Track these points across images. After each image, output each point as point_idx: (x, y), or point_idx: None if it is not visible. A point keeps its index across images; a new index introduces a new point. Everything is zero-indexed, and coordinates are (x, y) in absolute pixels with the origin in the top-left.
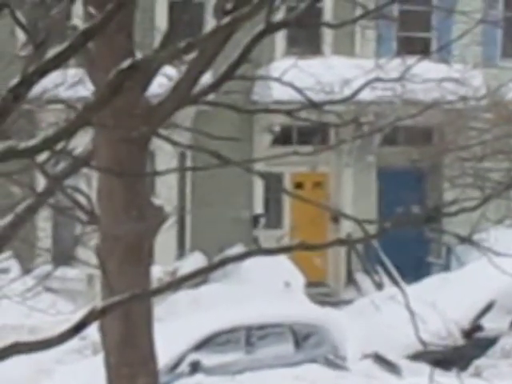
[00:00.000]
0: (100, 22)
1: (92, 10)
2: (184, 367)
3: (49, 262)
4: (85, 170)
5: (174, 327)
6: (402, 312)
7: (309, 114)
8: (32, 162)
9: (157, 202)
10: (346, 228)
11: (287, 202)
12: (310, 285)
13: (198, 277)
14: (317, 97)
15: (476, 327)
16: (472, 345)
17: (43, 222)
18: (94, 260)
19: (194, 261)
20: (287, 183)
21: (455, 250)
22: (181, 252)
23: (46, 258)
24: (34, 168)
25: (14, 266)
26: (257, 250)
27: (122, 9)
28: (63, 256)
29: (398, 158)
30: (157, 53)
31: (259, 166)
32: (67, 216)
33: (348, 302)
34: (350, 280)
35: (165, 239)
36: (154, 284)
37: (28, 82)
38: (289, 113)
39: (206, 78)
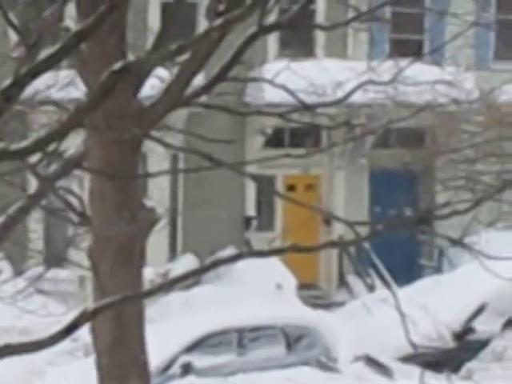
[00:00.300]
0: (92, 24)
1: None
2: (176, 369)
3: (40, 264)
4: (77, 172)
5: (166, 329)
6: (394, 314)
7: (301, 117)
8: (24, 163)
9: (149, 203)
10: (338, 230)
11: (279, 205)
12: (302, 287)
13: (190, 278)
14: (309, 99)
15: (467, 330)
16: (463, 347)
17: (35, 223)
18: (85, 261)
19: (186, 262)
20: (279, 185)
21: (447, 252)
22: (172, 254)
23: (37, 259)
24: (25, 169)
25: (6, 268)
26: (248, 252)
27: (114, 10)
28: (55, 257)
29: (391, 160)
30: (149, 54)
31: (251, 169)
32: (59, 217)
33: (340, 305)
34: (342, 282)
35: (157, 241)
36: (146, 286)
37: (20, 83)
38: (281, 115)
39: (199, 80)
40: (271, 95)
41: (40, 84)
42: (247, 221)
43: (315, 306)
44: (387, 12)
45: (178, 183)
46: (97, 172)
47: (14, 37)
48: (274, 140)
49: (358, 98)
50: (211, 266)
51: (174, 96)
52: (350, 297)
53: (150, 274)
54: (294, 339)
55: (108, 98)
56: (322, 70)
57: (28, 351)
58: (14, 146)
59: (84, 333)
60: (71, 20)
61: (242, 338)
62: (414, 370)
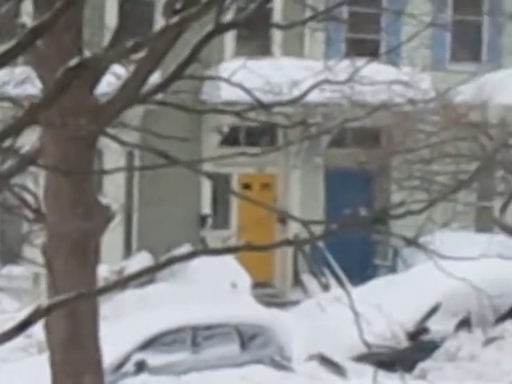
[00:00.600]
0: (48, 20)
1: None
2: (129, 367)
3: None
4: (32, 169)
5: (120, 326)
6: (348, 314)
7: (257, 115)
8: None
9: (104, 200)
10: (294, 229)
11: (235, 203)
12: (257, 285)
13: (145, 276)
14: (265, 98)
15: (421, 329)
16: (417, 347)
17: None
18: (40, 258)
19: (141, 260)
20: (235, 184)
21: (402, 252)
22: (127, 251)
23: None
24: None
25: None
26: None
27: (70, 7)
28: (9, 254)
29: (346, 159)
30: (106, 51)
31: (207, 167)
32: (14, 214)
33: (294, 303)
34: (297, 281)
35: (111, 238)
36: (100, 283)
37: None
38: (237, 113)
39: (155, 78)
40: (228, 93)
41: None
42: (202, 219)
43: (270, 304)
44: (344, 12)
45: (133, 180)
46: (52, 168)
47: None
48: (230, 138)
49: (314, 97)
50: (166, 263)
51: (130, 93)
52: (304, 296)
53: (104, 272)
54: (248, 338)
55: (64, 94)
56: (279, 69)
57: None
58: None
59: (38, 329)
60: (27, 16)
61: (196, 336)
62: (368, 370)
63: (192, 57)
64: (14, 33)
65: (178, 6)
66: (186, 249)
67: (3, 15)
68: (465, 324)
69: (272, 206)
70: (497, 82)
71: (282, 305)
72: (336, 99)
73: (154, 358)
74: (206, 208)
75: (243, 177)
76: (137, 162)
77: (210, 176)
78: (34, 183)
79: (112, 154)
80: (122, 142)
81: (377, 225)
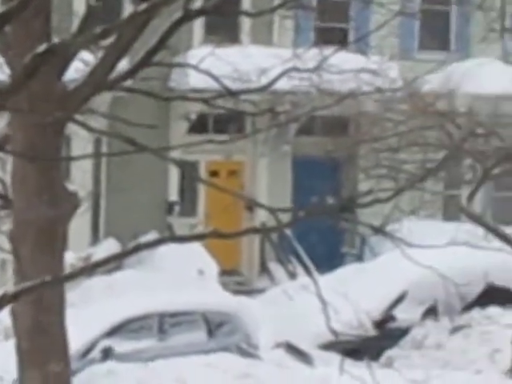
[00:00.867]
0: (17, 6)
1: None
2: (96, 353)
3: None
4: (0, 155)
5: (87, 313)
6: (315, 302)
7: (225, 103)
8: None
9: (71, 187)
10: (261, 217)
11: (202, 190)
12: (224, 273)
13: (112, 263)
14: (234, 85)
15: (388, 318)
16: (384, 335)
17: None
18: (6, 245)
19: (108, 247)
20: (202, 171)
21: (369, 240)
22: (94, 238)
23: None
24: None
25: None
26: (170, 237)
27: None
28: None
29: (314, 147)
30: (74, 38)
31: (175, 154)
32: None
33: (261, 291)
34: (264, 269)
35: (78, 225)
36: (67, 270)
37: None
38: (205, 101)
39: (123, 64)
40: (196, 81)
41: None
42: (170, 206)
43: (237, 292)
44: (313, 0)
45: (100, 167)
46: (19, 155)
47: None
48: (198, 126)
49: (282, 85)
50: (133, 250)
51: (98, 80)
52: (271, 284)
53: (71, 258)
54: (214, 325)
55: (32, 80)
56: (247, 57)
57: None
58: None
59: (4, 316)
60: None
61: (163, 323)
62: (335, 358)
63: (160, 44)
64: None
65: None
66: (153, 236)
67: None
68: (431, 312)
69: (239, 194)
70: (464, 71)
71: (249, 292)
72: (304, 87)
73: (120, 345)
74: (174, 195)
75: (211, 164)
76: (104, 149)
77: (177, 163)
78: (2, 169)
79: (80, 141)
80: (89, 129)
81: (344, 213)
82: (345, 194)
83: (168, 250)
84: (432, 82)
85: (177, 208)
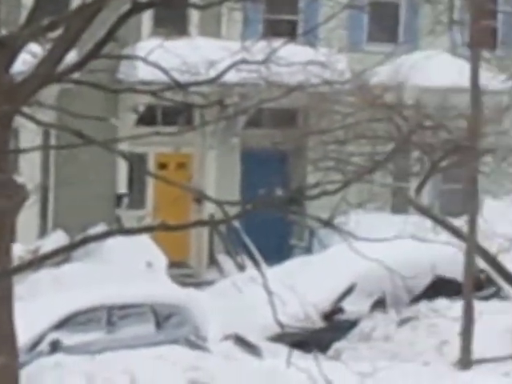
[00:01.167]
0: None
1: None
2: (44, 346)
3: None
4: None
5: (35, 306)
6: (263, 294)
7: (174, 95)
8: None
9: (19, 179)
10: (210, 209)
11: (151, 183)
12: (172, 265)
13: (60, 255)
14: (182, 77)
15: (336, 310)
16: (332, 327)
17: None
18: None
19: (56, 239)
20: (151, 163)
21: (318, 232)
22: (43, 230)
23: None
24: None
25: None
26: (118, 229)
27: None
28: None
29: (262, 140)
30: (21, 30)
31: (123, 146)
32: None
33: (210, 283)
34: (212, 261)
35: (27, 217)
36: (15, 262)
37: None
38: (154, 93)
39: (71, 56)
40: (144, 73)
41: None
42: (118, 198)
43: (185, 284)
44: None
45: (49, 160)
46: None
47: None
48: (147, 118)
49: (231, 77)
50: (81, 242)
51: (46, 72)
52: (220, 276)
53: (19, 251)
54: (163, 317)
55: None
56: (196, 49)
57: None
58: None
59: None
60: None
61: (112, 315)
62: (283, 350)
63: (109, 36)
64: None
65: None
66: (101, 228)
67: None
68: (379, 305)
69: (188, 186)
70: (413, 63)
71: (198, 285)
72: (253, 79)
73: (68, 338)
74: (122, 187)
75: (159, 156)
76: (53, 142)
77: (124, 156)
78: None
79: (28, 133)
80: (37, 122)
81: (292, 205)
82: (293, 186)
83: (116, 242)
84: (380, 75)
85: (125, 200)
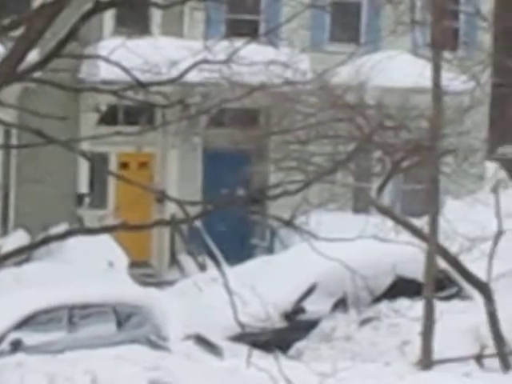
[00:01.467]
0: None
1: None
2: (5, 346)
3: None
4: None
5: None
6: (225, 294)
7: (136, 94)
8: None
9: None
10: (171, 208)
11: (112, 182)
12: (134, 265)
13: (21, 255)
14: (144, 77)
15: (298, 310)
16: (293, 327)
17: None
18: None
19: (18, 238)
20: (113, 163)
21: (279, 232)
22: (4, 229)
23: None
24: None
25: None
26: (79, 229)
27: None
28: None
29: (224, 139)
30: None
31: (85, 146)
32: None
33: (171, 283)
34: (174, 261)
35: None
36: None
37: None
38: (115, 92)
39: (33, 55)
40: (106, 72)
41: None
42: (80, 198)
43: (147, 284)
44: None
45: (10, 159)
46: None
47: None
48: (109, 117)
49: (192, 76)
50: (42, 242)
51: (7, 71)
52: (181, 275)
53: None
54: (124, 317)
55: None
56: (158, 49)
57: None
58: None
59: None
60: None
61: (73, 315)
62: (244, 350)
63: (71, 35)
64: None
65: None
66: (62, 228)
67: None
68: (341, 304)
69: (149, 186)
70: (374, 63)
71: (159, 284)
72: (215, 79)
73: (30, 337)
74: (84, 187)
75: (121, 156)
76: (14, 141)
77: (85, 155)
78: None
79: None
80: None
81: (253, 205)
82: (255, 186)
83: (77, 241)
84: (342, 75)
85: (87, 200)
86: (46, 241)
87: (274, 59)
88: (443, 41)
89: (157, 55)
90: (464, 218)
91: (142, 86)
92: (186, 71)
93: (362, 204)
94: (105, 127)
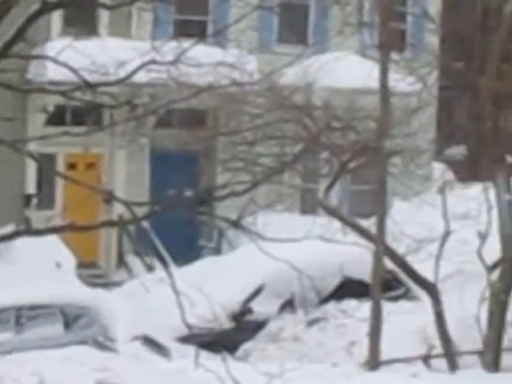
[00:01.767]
0: None
1: None
2: None
3: None
4: None
5: None
6: (172, 295)
7: (83, 95)
8: None
9: None
10: (119, 209)
11: (60, 183)
12: (81, 266)
13: None
14: (92, 78)
15: (245, 310)
16: (241, 328)
17: None
18: None
19: None
20: (60, 164)
21: (227, 233)
22: None
23: None
24: None
25: None
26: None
27: None
28: None
29: (172, 140)
30: None
31: (32, 146)
32: None
33: (119, 284)
34: (121, 262)
35: None
36: None
37: None
38: (63, 93)
39: None
40: (54, 73)
41: None
42: (27, 198)
43: (94, 285)
44: None
45: None
46: None
47: None
48: (56, 118)
49: (140, 77)
50: None
51: None
52: (129, 276)
53: None
54: (72, 318)
55: None
56: (106, 49)
57: None
58: None
59: None
60: None
61: (20, 316)
62: (191, 351)
63: (18, 35)
64: None
65: None
66: (9, 228)
67: None
68: (288, 305)
69: (97, 187)
70: (322, 64)
71: (107, 285)
72: (162, 80)
73: None
74: (31, 188)
75: (69, 156)
76: None
77: (32, 156)
78: None
79: None
80: None
81: (201, 206)
82: (202, 186)
83: (25, 242)
84: (289, 76)
85: (34, 201)
86: None
87: (222, 60)
88: (391, 42)
89: (104, 56)
90: (411, 219)
91: (89, 86)
92: (134, 72)
93: (309, 205)
94: (52, 128)
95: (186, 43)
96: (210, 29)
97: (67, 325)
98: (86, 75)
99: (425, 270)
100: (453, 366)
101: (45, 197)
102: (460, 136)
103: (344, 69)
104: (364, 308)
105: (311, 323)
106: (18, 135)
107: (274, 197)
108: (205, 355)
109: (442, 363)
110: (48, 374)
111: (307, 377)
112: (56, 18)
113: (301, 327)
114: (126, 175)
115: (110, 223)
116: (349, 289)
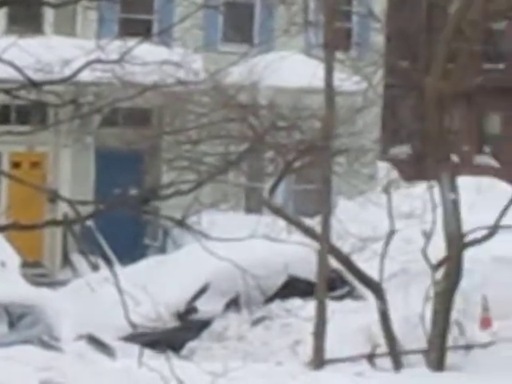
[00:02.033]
0: None
1: None
2: None
3: None
4: None
5: None
6: (117, 294)
7: (28, 94)
8: None
9: None
10: (64, 208)
11: (4, 182)
12: (26, 265)
13: None
14: (36, 76)
15: (190, 309)
16: (185, 327)
17: None
18: None
19: None
20: (4, 162)
21: (172, 232)
22: None
23: None
24: None
25: None
26: None
27: None
28: None
29: (117, 139)
30: None
31: None
32: None
33: (64, 283)
34: (66, 261)
35: None
36: None
37: None
38: (7, 91)
39: None
40: None
41: None
42: None
43: (39, 284)
44: None
45: None
46: None
47: None
48: (1, 116)
49: (85, 76)
50: None
51: None
52: (73, 275)
53: None
54: (16, 317)
55: None
56: (50, 48)
57: None
58: None
59: None
60: None
61: None
62: (136, 350)
63: None
64: None
65: None
66: None
67: None
68: (233, 304)
69: (41, 186)
70: (267, 63)
71: (52, 284)
72: (107, 79)
73: None
74: None
75: (13, 155)
76: None
77: None
78: None
79: None
80: None
81: (146, 205)
82: (147, 185)
83: None
84: (235, 75)
85: None
86: None
87: (167, 59)
88: (336, 41)
89: (49, 54)
90: (356, 218)
91: (34, 85)
92: (79, 70)
93: (254, 204)
94: None
95: (131, 42)
96: (155, 27)
97: (11, 324)
98: (31, 74)
99: (370, 268)
100: (397, 365)
101: None
102: (405, 135)
103: (289, 68)
104: (309, 307)
105: (256, 322)
106: None
107: (218, 196)
108: (149, 354)
109: (386, 362)
110: None
111: (252, 376)
112: (0, 16)
113: (245, 326)
114: (71, 174)
115: (54, 222)
116: (294, 288)
